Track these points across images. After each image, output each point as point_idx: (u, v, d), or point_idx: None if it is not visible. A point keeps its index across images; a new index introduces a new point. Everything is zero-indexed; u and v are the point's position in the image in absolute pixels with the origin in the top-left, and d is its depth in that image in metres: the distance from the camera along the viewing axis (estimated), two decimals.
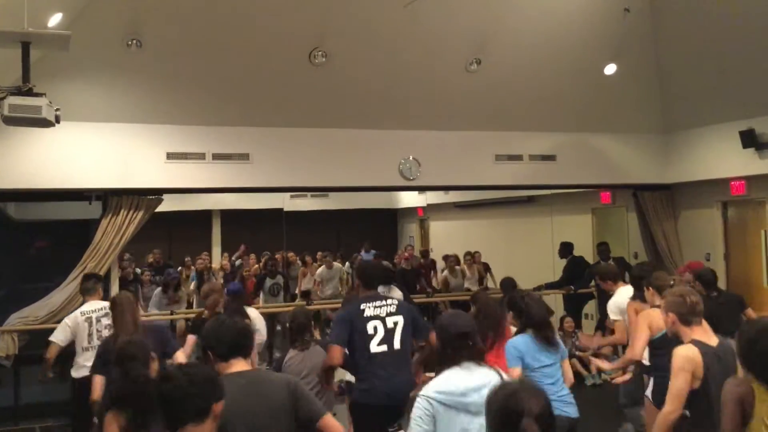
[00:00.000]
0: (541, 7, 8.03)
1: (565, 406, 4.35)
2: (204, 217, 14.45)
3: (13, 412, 7.71)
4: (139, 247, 10.97)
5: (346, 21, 7.60)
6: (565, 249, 10.32)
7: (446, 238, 13.56)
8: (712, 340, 3.64)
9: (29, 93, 4.88)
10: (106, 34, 6.99)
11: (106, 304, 5.70)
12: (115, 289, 8.08)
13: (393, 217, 16.82)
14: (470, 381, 3.01)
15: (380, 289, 5.56)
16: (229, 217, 14.48)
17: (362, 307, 4.66)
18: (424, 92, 8.46)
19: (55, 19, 6.15)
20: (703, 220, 9.74)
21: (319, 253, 12.80)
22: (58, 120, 5.08)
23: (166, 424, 2.41)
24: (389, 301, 4.76)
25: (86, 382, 4.84)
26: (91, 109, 7.49)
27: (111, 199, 7.78)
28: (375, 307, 4.67)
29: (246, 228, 14.13)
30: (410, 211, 16.23)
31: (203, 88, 7.79)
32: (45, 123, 5.02)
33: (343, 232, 14.77)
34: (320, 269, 11.87)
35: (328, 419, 3.06)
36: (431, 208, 14.97)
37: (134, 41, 7.05)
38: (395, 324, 4.65)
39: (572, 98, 9.03)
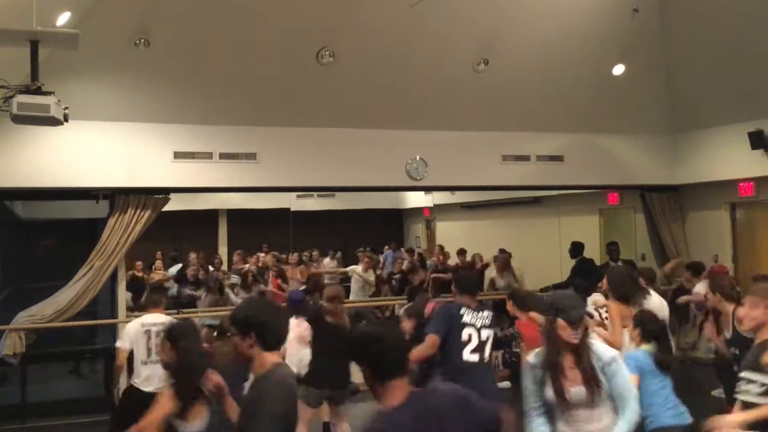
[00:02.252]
0: (549, 8, 8.00)
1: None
2: (211, 216, 14.45)
3: (20, 410, 7.72)
4: (146, 246, 10.97)
5: (353, 21, 7.60)
6: (576, 249, 10.25)
7: (452, 238, 13.50)
8: None
9: (38, 91, 4.89)
10: (114, 33, 7.00)
11: (167, 319, 5.52)
12: (122, 288, 8.09)
13: (399, 218, 16.79)
14: None
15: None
16: (236, 216, 14.47)
17: (462, 311, 4.66)
18: (431, 92, 8.44)
19: (63, 18, 6.17)
20: (712, 221, 9.70)
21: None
22: (66, 118, 5.09)
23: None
24: (485, 313, 4.76)
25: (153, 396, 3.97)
26: (99, 108, 7.50)
27: (118, 198, 7.78)
28: (472, 315, 4.68)
29: (252, 228, 14.12)
30: (416, 212, 16.19)
31: (210, 88, 7.79)
32: (53, 121, 5.03)
33: (349, 233, 14.76)
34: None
35: None
36: (438, 209, 14.93)
37: (142, 40, 7.07)
38: (488, 338, 4.69)
39: (580, 99, 9.00)
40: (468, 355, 4.56)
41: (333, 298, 5.89)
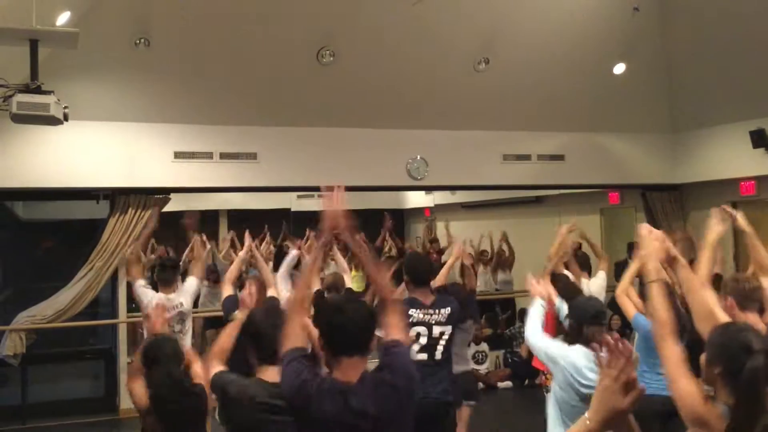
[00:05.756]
0: (549, 7, 7.99)
1: None
2: (211, 216, 14.42)
3: (20, 411, 7.71)
4: None
5: (354, 20, 7.59)
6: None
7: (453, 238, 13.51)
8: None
9: (37, 91, 4.88)
10: (114, 33, 7.00)
11: (181, 300, 5.26)
12: (122, 288, 8.08)
13: (400, 218, 16.77)
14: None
15: None
16: (237, 217, 14.44)
17: (410, 311, 4.20)
18: (432, 92, 8.43)
19: (63, 18, 6.16)
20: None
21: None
22: (66, 118, 5.08)
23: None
24: (444, 310, 4.36)
25: None
26: (99, 107, 7.49)
27: (118, 198, 7.78)
28: (425, 312, 4.30)
29: (253, 228, 14.08)
30: (417, 212, 16.17)
31: (211, 88, 7.78)
32: (53, 121, 5.02)
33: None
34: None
35: None
36: (438, 209, 14.91)
37: (142, 40, 7.06)
38: (441, 334, 4.33)
39: (581, 98, 8.98)
40: (414, 355, 4.10)
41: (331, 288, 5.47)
